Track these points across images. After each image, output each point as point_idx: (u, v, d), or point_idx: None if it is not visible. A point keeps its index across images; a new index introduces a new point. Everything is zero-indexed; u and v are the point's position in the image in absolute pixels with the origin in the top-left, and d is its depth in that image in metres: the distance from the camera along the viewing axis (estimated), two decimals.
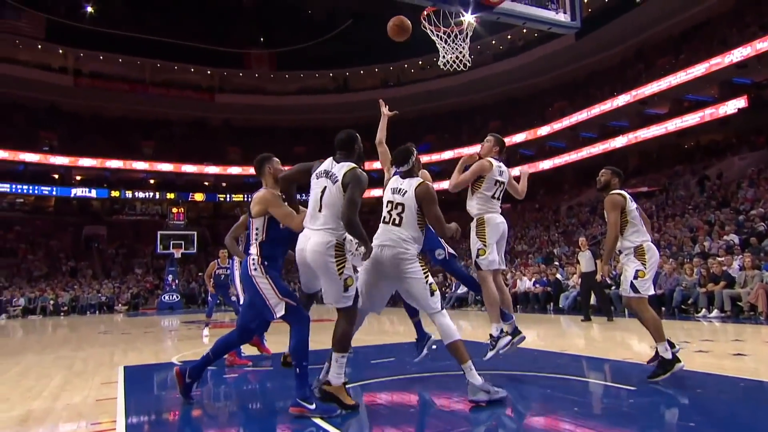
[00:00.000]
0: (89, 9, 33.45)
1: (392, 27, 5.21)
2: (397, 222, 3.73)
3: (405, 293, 3.81)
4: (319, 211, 3.56)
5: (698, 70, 22.60)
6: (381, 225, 3.83)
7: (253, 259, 3.66)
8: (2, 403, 4.27)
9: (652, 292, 4.32)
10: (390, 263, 3.66)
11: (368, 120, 38.41)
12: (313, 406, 3.41)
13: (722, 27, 24.02)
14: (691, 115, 23.17)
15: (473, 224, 4.56)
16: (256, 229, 3.73)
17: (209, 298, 10.25)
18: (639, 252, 4.30)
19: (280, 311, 3.55)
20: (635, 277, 4.21)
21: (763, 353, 5.67)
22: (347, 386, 3.70)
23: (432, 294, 3.65)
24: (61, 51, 34.63)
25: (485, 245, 4.41)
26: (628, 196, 4.49)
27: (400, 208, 3.76)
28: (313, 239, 3.51)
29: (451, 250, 4.80)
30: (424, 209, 3.72)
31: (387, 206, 3.85)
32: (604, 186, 4.69)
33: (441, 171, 36.06)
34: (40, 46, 33.83)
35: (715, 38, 23.64)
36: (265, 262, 3.64)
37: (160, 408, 4.19)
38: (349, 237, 3.60)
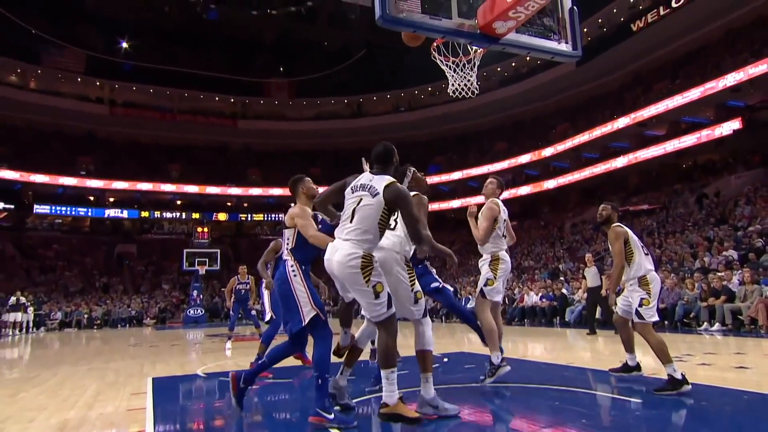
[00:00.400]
0: (124, 44, 34.42)
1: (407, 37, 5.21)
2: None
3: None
4: (350, 221, 3.41)
5: (694, 93, 22.50)
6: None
7: (291, 265, 3.73)
8: (41, 411, 4.31)
9: (656, 318, 4.43)
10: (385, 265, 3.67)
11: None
12: (331, 416, 3.40)
13: (716, 53, 23.97)
14: (689, 136, 23.00)
15: (486, 259, 4.73)
16: (287, 238, 3.86)
17: (231, 312, 10.28)
18: (643, 282, 4.42)
19: (308, 317, 3.57)
20: (640, 305, 4.37)
21: (764, 366, 5.54)
22: (373, 395, 3.65)
23: (416, 302, 3.61)
24: (98, 83, 35.54)
25: (495, 277, 4.61)
26: (628, 229, 4.62)
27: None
28: (339, 251, 3.37)
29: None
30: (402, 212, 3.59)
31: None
32: (605, 220, 4.81)
33: (450, 191, 36.12)
34: (79, 79, 34.76)
35: (709, 64, 23.57)
36: (303, 266, 3.73)
37: (186, 418, 4.20)
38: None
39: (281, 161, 37.46)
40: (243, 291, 9.72)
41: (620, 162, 26.13)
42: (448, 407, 3.56)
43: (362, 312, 3.55)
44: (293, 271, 3.70)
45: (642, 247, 4.58)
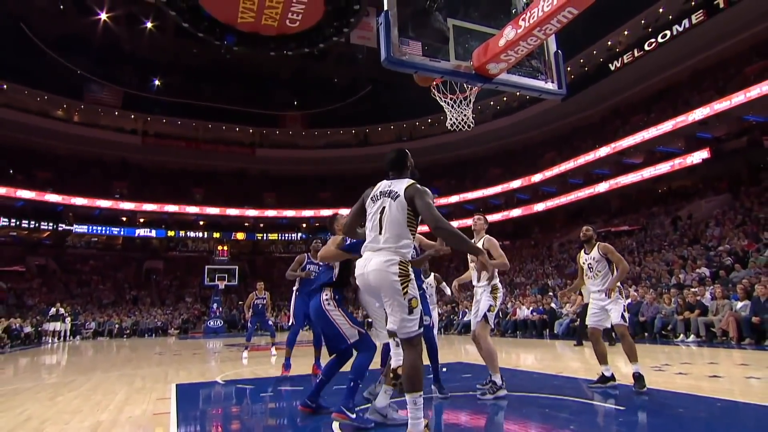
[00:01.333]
0: (157, 81, 35.06)
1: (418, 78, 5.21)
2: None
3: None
4: (380, 232, 3.05)
5: (666, 126, 22.69)
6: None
7: (326, 297, 3.77)
8: (76, 414, 4.30)
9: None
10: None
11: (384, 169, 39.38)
12: (353, 416, 3.40)
13: (685, 91, 24.24)
14: (663, 164, 23.11)
15: (486, 288, 4.64)
16: (332, 269, 3.88)
17: (249, 324, 10.26)
18: (621, 292, 4.86)
19: (353, 338, 3.64)
20: (625, 311, 4.80)
21: (735, 375, 5.46)
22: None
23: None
24: (132, 116, 36.11)
25: (495, 305, 4.60)
26: None
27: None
28: (374, 260, 3.01)
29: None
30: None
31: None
32: (588, 239, 5.05)
33: (447, 213, 36.13)
34: (116, 113, 35.36)
35: (680, 100, 23.80)
36: (337, 297, 3.77)
37: (206, 422, 4.17)
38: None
39: (294, 185, 37.71)
40: (260, 305, 9.79)
41: (602, 187, 26.17)
42: (397, 417, 3.43)
43: (389, 326, 3.07)
44: (327, 302, 3.75)
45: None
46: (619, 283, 4.79)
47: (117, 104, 35.10)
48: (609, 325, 4.87)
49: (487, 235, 4.77)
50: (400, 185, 3.11)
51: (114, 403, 4.87)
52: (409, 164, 3.32)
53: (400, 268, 2.95)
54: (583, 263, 5.02)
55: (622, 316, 4.71)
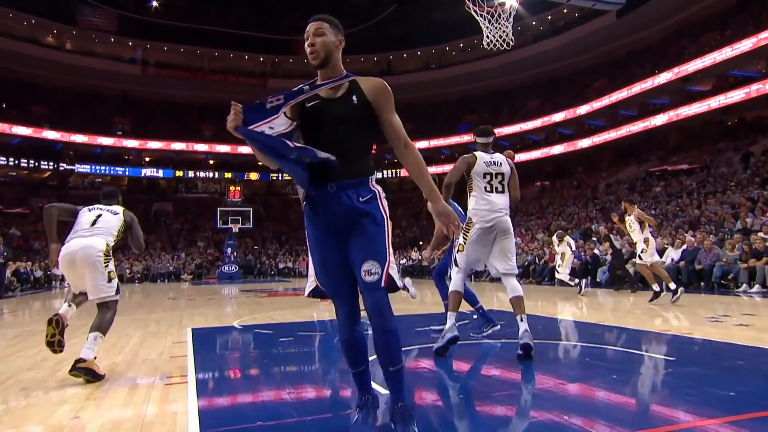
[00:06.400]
0: (155, 3, 34.33)
1: None
2: (500, 190, 4.10)
3: (497, 257, 4.12)
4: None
5: (745, 45, 21.19)
6: (488, 195, 4.07)
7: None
8: None
9: None
10: (505, 226, 4.08)
11: (410, 102, 38.18)
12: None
13: None
14: (736, 91, 21.81)
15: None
16: None
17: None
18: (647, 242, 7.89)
19: None
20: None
21: None
22: None
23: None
24: (131, 43, 35.80)
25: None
26: None
27: (500, 177, 4.12)
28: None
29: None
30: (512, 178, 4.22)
31: (486, 178, 4.09)
32: (625, 211, 7.94)
33: None
34: (112, 39, 35.07)
35: (764, 12, 21.99)
36: None
37: (224, 365, 4.38)
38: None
39: None
40: None
41: (660, 120, 25.09)
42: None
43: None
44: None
45: None
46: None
47: (112, 29, 34.74)
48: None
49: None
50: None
51: (129, 345, 5.15)
52: None
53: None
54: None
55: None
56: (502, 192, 4.12)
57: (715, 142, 22.96)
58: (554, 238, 12.09)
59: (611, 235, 13.22)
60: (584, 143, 29.34)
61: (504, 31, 4.27)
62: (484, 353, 4.45)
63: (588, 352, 4.37)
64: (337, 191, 2.17)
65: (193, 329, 6.30)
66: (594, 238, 15.91)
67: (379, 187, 2.27)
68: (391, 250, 2.17)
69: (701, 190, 18.11)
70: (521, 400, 2.93)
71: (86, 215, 4.23)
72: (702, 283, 10.67)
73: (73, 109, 32.78)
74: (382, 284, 2.08)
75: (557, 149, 30.85)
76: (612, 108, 27.66)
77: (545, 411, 2.58)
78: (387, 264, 2.11)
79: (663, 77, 24.69)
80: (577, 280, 10.62)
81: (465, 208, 4.35)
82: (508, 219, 4.14)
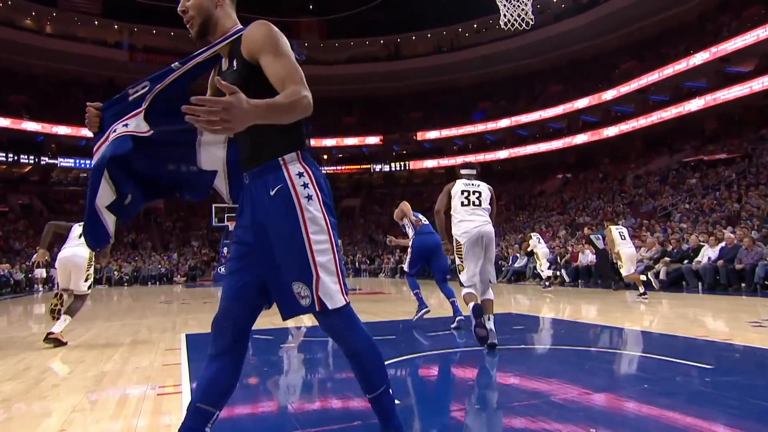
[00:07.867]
0: None
1: None
2: (477, 204, 4.77)
3: (488, 263, 4.76)
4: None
5: None
6: (464, 208, 4.77)
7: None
8: (78, 364, 4.62)
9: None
10: (490, 234, 4.70)
11: (420, 88, 37.98)
12: None
13: None
14: None
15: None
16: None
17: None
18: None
19: None
20: None
21: None
22: None
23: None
24: (116, 27, 36.01)
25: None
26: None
27: (477, 194, 4.84)
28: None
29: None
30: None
31: (464, 194, 4.83)
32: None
33: (497, 140, 35.38)
34: (96, 22, 35.27)
35: None
36: None
37: None
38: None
39: (313, 109, 37.47)
40: None
41: (695, 105, 24.88)
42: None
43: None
44: None
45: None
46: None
47: (96, 11, 34.94)
48: None
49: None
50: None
51: (118, 353, 5.20)
52: None
53: None
54: None
55: None
56: (479, 205, 4.79)
57: (757, 128, 22.71)
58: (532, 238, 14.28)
59: (592, 237, 13.74)
60: (610, 132, 29.17)
61: (523, 9, 4.23)
62: (501, 360, 4.45)
63: (614, 358, 4.36)
64: (248, 185, 1.88)
65: (187, 335, 6.34)
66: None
67: (299, 169, 1.83)
68: (323, 259, 1.78)
69: (741, 182, 17.96)
70: (542, 410, 2.93)
71: (77, 230, 5.98)
72: (743, 285, 10.58)
73: (54, 99, 33.02)
74: (317, 309, 1.78)
75: (581, 138, 30.68)
76: (641, 92, 27.45)
77: (570, 423, 2.57)
78: (315, 282, 1.76)
79: (699, 57, 24.45)
80: (549, 273, 13.42)
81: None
82: (491, 227, 4.79)
